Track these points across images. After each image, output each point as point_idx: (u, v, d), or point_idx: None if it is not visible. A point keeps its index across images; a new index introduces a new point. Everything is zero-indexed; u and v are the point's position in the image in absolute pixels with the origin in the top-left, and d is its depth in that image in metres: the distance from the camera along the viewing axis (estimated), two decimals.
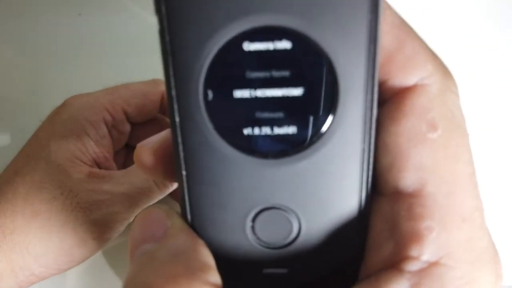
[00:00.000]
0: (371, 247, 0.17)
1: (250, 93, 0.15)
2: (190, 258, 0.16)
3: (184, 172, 0.16)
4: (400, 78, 0.16)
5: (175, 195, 0.39)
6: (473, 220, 0.16)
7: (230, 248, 0.17)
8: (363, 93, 0.15)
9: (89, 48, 0.43)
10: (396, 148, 0.16)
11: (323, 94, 0.15)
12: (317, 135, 0.15)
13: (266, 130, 0.16)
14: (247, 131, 0.16)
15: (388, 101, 0.16)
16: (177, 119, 0.15)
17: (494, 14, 0.43)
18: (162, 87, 0.35)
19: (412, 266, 0.15)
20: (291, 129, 0.15)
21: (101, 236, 0.30)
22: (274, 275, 0.18)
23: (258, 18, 0.14)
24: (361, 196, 0.16)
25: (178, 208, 0.17)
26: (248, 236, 0.17)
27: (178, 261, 0.16)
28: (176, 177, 0.17)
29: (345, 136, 0.15)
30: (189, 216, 0.17)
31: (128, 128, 0.35)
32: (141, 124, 0.36)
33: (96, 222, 0.30)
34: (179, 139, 0.16)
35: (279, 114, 0.15)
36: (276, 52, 0.15)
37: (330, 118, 0.15)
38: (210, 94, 0.15)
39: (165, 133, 0.18)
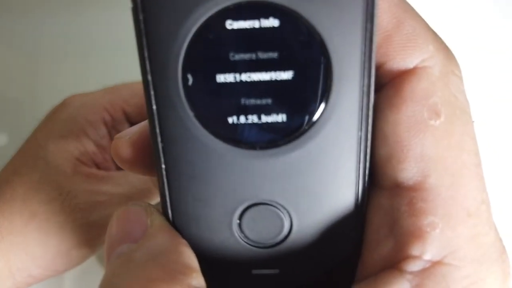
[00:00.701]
0: (369, 246, 0.16)
1: (235, 77, 0.14)
2: (170, 260, 0.15)
3: (163, 166, 0.15)
4: (399, 60, 0.15)
5: None
6: (479, 214, 0.15)
7: (215, 248, 0.16)
8: (359, 76, 0.13)
9: (88, 47, 0.42)
10: (395, 137, 0.14)
11: (315, 77, 0.13)
12: (309, 123, 0.14)
13: (253, 118, 0.14)
14: (232, 119, 0.14)
15: (386, 86, 0.15)
16: (154, 107, 0.14)
17: (493, 15, 0.43)
18: None
19: (413, 266, 0.14)
20: (280, 117, 0.14)
21: (99, 238, 0.30)
22: (265, 276, 0.16)
23: None
24: (357, 189, 0.15)
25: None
26: (235, 234, 0.16)
27: (157, 263, 0.14)
28: (156, 171, 0.15)
29: (340, 124, 0.14)
30: (170, 214, 0.16)
31: (127, 128, 0.35)
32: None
33: (94, 223, 0.29)
34: (157, 130, 0.14)
35: (267, 101, 0.14)
36: (262, 31, 0.13)
37: (323, 104, 0.14)
38: (190, 79, 0.14)
39: (145, 123, 0.16)
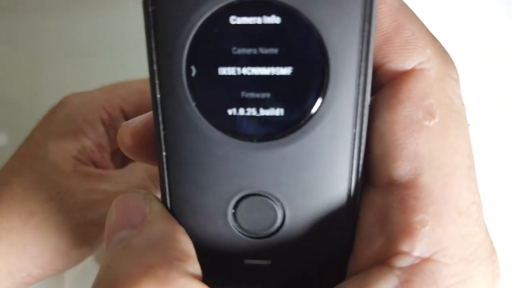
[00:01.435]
0: (362, 241, 0.16)
1: (236, 71, 0.14)
2: (168, 247, 0.15)
3: (164, 153, 0.15)
4: (398, 62, 0.15)
5: None
6: (470, 214, 0.15)
7: (210, 236, 0.16)
8: (356, 75, 0.14)
9: (87, 47, 0.42)
10: (390, 136, 0.15)
11: (312, 74, 0.14)
12: (305, 118, 0.14)
13: (251, 111, 0.15)
14: (231, 111, 0.15)
15: (384, 86, 0.15)
16: (158, 95, 0.15)
17: (493, 16, 0.42)
18: None
19: (402, 262, 0.15)
20: (278, 111, 0.14)
21: (98, 237, 0.30)
22: (257, 267, 0.17)
23: None
24: (350, 185, 0.15)
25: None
26: (230, 224, 0.16)
27: (155, 249, 0.15)
28: (157, 158, 0.16)
29: (335, 120, 0.14)
30: (168, 201, 0.16)
31: None
32: None
33: (93, 222, 0.29)
34: (160, 117, 0.15)
35: (266, 94, 0.14)
36: (264, 27, 0.14)
37: (319, 100, 0.14)
38: (194, 70, 0.14)
39: (150, 113, 0.17)
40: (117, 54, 0.42)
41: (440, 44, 0.16)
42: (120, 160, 0.37)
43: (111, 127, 0.33)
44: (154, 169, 0.31)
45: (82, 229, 0.29)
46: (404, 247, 0.15)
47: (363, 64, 0.14)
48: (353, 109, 0.14)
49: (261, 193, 0.15)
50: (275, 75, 0.14)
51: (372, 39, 0.14)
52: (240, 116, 0.15)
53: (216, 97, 0.14)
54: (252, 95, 0.14)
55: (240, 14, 0.14)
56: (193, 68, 0.14)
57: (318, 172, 0.15)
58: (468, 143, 0.16)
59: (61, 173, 0.30)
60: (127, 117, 0.34)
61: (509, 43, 0.42)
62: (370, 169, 0.16)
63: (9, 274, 0.29)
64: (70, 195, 0.29)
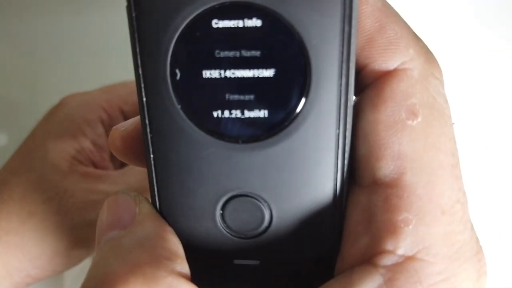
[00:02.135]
0: (347, 240, 0.16)
1: (220, 73, 0.14)
2: (157, 246, 0.15)
3: (152, 155, 0.16)
4: (381, 62, 0.15)
5: None
6: (454, 213, 0.15)
7: (199, 237, 0.16)
8: (337, 75, 0.14)
9: (87, 47, 0.42)
10: (374, 136, 0.15)
11: (294, 76, 0.14)
12: (288, 120, 0.15)
13: (236, 113, 0.15)
14: (216, 113, 0.15)
15: (368, 87, 0.16)
16: (144, 99, 0.15)
17: (484, 13, 0.42)
18: None
19: (386, 260, 0.15)
20: (262, 112, 0.15)
21: None
22: (246, 266, 0.17)
23: None
24: (336, 184, 0.15)
25: None
26: (218, 224, 0.16)
27: (144, 248, 0.15)
28: (145, 160, 0.16)
29: (318, 121, 0.14)
30: (157, 202, 0.16)
31: None
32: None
33: (92, 222, 0.29)
34: (147, 121, 0.15)
35: (250, 96, 0.14)
36: (246, 30, 0.14)
37: (302, 102, 0.14)
38: (178, 73, 0.14)
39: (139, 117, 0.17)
40: (117, 54, 0.42)
41: (423, 43, 0.16)
42: (120, 161, 0.36)
43: (110, 128, 0.33)
44: None
45: (81, 229, 0.29)
46: (388, 246, 0.15)
47: (344, 65, 0.14)
48: (336, 110, 0.14)
49: (248, 194, 0.16)
50: (258, 77, 0.14)
51: (353, 40, 0.14)
52: (225, 118, 0.15)
53: (200, 99, 0.15)
54: (236, 97, 0.15)
55: (221, 18, 0.14)
56: (177, 71, 0.14)
57: (304, 172, 0.15)
58: (452, 141, 0.15)
59: (60, 173, 0.30)
60: (126, 117, 0.34)
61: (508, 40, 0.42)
62: (355, 168, 0.16)
63: (7, 274, 0.29)
64: (69, 196, 0.29)
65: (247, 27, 0.14)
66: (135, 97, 0.33)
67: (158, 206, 0.16)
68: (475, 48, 0.41)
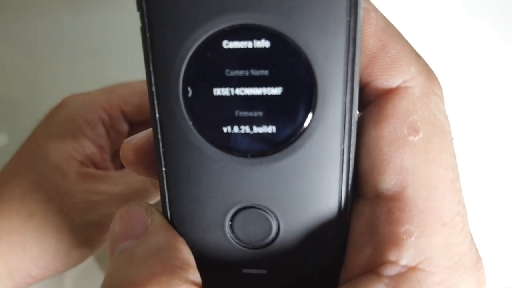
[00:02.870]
0: (352, 251, 0.17)
1: (230, 91, 0.15)
2: (170, 256, 0.16)
3: (163, 169, 0.16)
4: (383, 80, 0.16)
5: None
6: (454, 225, 0.16)
7: (209, 247, 0.17)
8: (342, 94, 0.15)
9: (87, 47, 0.42)
10: (377, 151, 0.16)
11: (301, 94, 0.15)
12: (295, 135, 0.15)
13: (245, 129, 0.15)
14: (226, 129, 0.15)
15: (371, 104, 0.16)
16: (157, 115, 0.15)
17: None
18: None
19: (390, 271, 0.15)
20: (270, 128, 0.15)
21: (98, 238, 0.30)
22: (254, 276, 0.17)
23: (237, 17, 0.14)
24: (340, 197, 0.16)
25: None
26: (227, 235, 0.17)
27: (158, 258, 0.16)
28: (157, 173, 0.17)
29: (324, 137, 0.15)
30: (169, 213, 0.17)
31: (126, 128, 0.35)
32: (139, 124, 0.36)
33: (92, 223, 0.29)
34: (159, 135, 0.16)
35: (258, 113, 0.15)
36: (255, 50, 0.14)
37: (308, 119, 0.15)
38: (190, 91, 0.15)
39: (150, 130, 0.18)
40: (117, 54, 0.42)
41: (424, 61, 0.16)
42: (120, 162, 0.37)
43: (111, 128, 0.33)
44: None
45: (81, 230, 0.29)
46: (391, 257, 0.15)
47: (349, 84, 0.15)
48: (341, 126, 0.15)
49: (256, 206, 0.16)
50: (266, 95, 0.15)
51: (357, 60, 0.15)
52: (235, 134, 0.15)
53: (211, 116, 0.15)
54: (245, 113, 0.15)
55: (232, 39, 0.14)
56: (189, 89, 0.15)
57: (310, 186, 0.16)
58: (452, 156, 0.16)
59: (61, 173, 0.30)
60: (127, 118, 0.34)
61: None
62: (358, 181, 0.17)
63: (8, 274, 0.29)
64: (69, 196, 0.29)
65: (256, 48, 0.14)
66: (136, 98, 0.34)
67: (169, 217, 0.17)
68: (469, 46, 0.42)
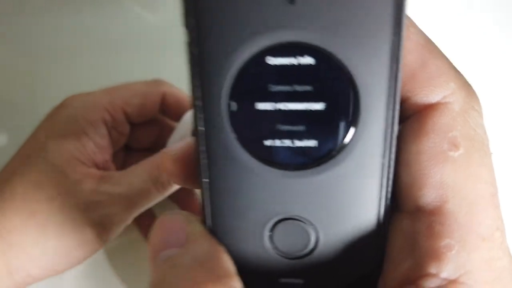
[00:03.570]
0: (391, 263, 0.17)
1: (273, 106, 0.15)
2: (214, 265, 0.16)
3: (206, 180, 0.17)
4: (423, 96, 0.16)
5: (175, 198, 0.39)
6: (494, 240, 0.16)
7: (248, 256, 0.18)
8: (384, 110, 0.15)
9: (87, 47, 0.42)
10: (417, 166, 0.16)
11: (344, 110, 0.15)
12: (336, 150, 0.16)
13: (287, 143, 0.16)
14: (268, 142, 0.16)
15: (410, 118, 0.16)
16: (201, 128, 0.16)
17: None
18: (163, 88, 0.35)
19: (431, 283, 0.15)
20: (311, 143, 0.16)
21: (98, 238, 0.30)
22: (290, 285, 0.18)
23: (282, 34, 0.14)
24: (379, 211, 0.16)
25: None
26: (266, 245, 0.17)
27: (202, 267, 0.16)
28: (200, 184, 0.17)
29: (365, 152, 0.16)
30: (210, 223, 0.17)
31: (128, 128, 0.35)
32: (140, 125, 0.36)
33: (93, 223, 0.29)
34: (203, 148, 0.16)
35: (300, 127, 0.16)
36: (299, 67, 0.15)
37: (350, 134, 0.16)
38: (234, 106, 0.16)
39: (189, 141, 0.19)
40: (117, 54, 0.42)
41: (463, 77, 0.16)
42: (121, 162, 0.37)
43: (113, 129, 0.33)
44: (155, 172, 0.31)
45: (82, 230, 0.29)
46: (432, 270, 0.16)
47: (391, 100, 0.15)
48: (382, 141, 0.15)
49: (296, 217, 0.17)
50: (309, 110, 0.15)
51: (399, 76, 0.15)
52: (276, 147, 0.16)
53: (254, 129, 0.16)
54: (287, 128, 0.16)
55: (276, 55, 0.15)
56: (233, 103, 0.16)
57: (349, 199, 0.16)
58: (491, 171, 0.16)
59: (62, 173, 0.30)
60: (129, 119, 0.34)
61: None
62: (398, 196, 0.17)
63: (8, 273, 0.29)
64: (70, 196, 0.29)
65: (300, 64, 0.15)
66: (138, 99, 0.34)
67: (210, 227, 0.17)
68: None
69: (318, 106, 0.15)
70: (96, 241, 0.30)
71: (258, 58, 0.15)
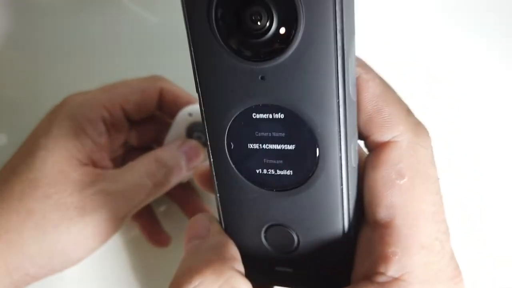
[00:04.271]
0: (358, 262, 0.22)
1: (259, 146, 0.21)
2: (223, 251, 0.22)
3: (218, 195, 0.23)
4: (378, 136, 0.21)
5: (175, 197, 0.39)
6: (432, 248, 0.20)
7: (250, 250, 0.24)
8: (338, 150, 0.20)
9: (88, 47, 0.42)
10: (373, 190, 0.21)
11: (308, 150, 0.20)
12: (306, 178, 0.21)
13: (271, 171, 0.21)
14: (258, 171, 0.22)
15: (370, 152, 0.21)
16: (211, 159, 0.22)
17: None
18: (160, 83, 0.35)
19: (380, 279, 0.20)
20: (288, 172, 0.21)
21: (96, 236, 0.30)
22: (283, 272, 0.24)
23: (260, 99, 0.20)
24: (343, 221, 0.22)
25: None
26: (263, 242, 0.23)
27: (214, 252, 0.22)
28: (215, 195, 0.23)
29: (326, 180, 0.21)
30: (223, 224, 0.24)
31: (127, 126, 0.35)
32: (139, 122, 0.36)
33: (90, 221, 0.29)
34: (213, 173, 0.23)
35: (280, 161, 0.21)
36: (274, 120, 0.20)
37: (315, 167, 0.21)
38: (232, 145, 0.21)
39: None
40: (117, 54, 0.42)
41: (413, 119, 0.21)
42: (120, 160, 0.37)
43: (112, 126, 0.33)
44: (152, 168, 0.31)
45: (79, 228, 0.29)
46: (382, 269, 0.20)
47: (343, 145, 0.20)
48: (339, 172, 0.21)
49: (282, 224, 0.23)
50: (284, 149, 0.21)
51: (350, 129, 0.20)
52: (264, 174, 0.22)
53: (247, 162, 0.22)
54: (271, 161, 0.21)
55: (258, 112, 0.20)
56: (231, 143, 0.21)
57: (319, 212, 0.22)
58: (434, 194, 0.21)
59: (60, 172, 0.30)
60: (127, 116, 0.34)
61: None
62: (364, 211, 0.22)
63: (7, 272, 0.29)
64: (67, 194, 0.29)
65: (275, 118, 0.20)
66: (136, 96, 0.34)
67: (223, 227, 0.24)
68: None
69: (290, 147, 0.21)
70: (95, 240, 0.30)
71: (246, 114, 0.21)
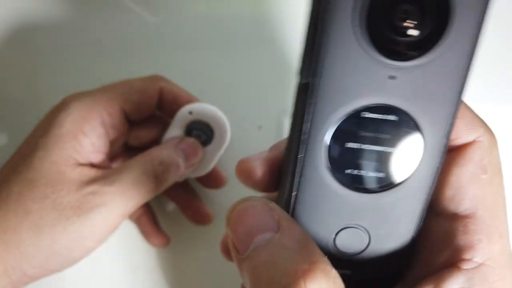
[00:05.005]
0: (430, 254, 0.23)
1: (358, 146, 0.20)
2: (314, 248, 0.20)
3: (294, 193, 0.21)
4: (464, 137, 0.22)
5: (174, 197, 0.39)
6: (506, 236, 0.22)
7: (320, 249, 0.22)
8: (436, 161, 0.21)
9: (88, 47, 0.42)
10: (459, 184, 0.22)
11: (409, 156, 0.21)
12: (399, 182, 0.21)
13: (362, 172, 0.21)
14: (349, 171, 0.21)
15: (453, 151, 0.22)
16: (300, 154, 0.20)
17: None
18: (160, 83, 0.35)
19: (467, 265, 0.21)
20: (380, 174, 0.21)
21: (93, 237, 0.30)
22: (340, 275, 0.22)
23: (380, 98, 0.20)
24: (417, 225, 0.22)
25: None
26: (331, 243, 0.22)
27: (306, 249, 0.20)
28: (283, 193, 0.22)
29: (418, 184, 0.21)
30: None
31: (126, 126, 0.34)
32: (139, 123, 0.36)
33: (87, 222, 0.29)
34: (298, 169, 0.21)
35: (373, 163, 0.21)
36: (384, 121, 0.20)
37: (407, 174, 0.21)
38: (331, 142, 0.20)
39: (268, 154, 0.24)
40: (117, 54, 0.42)
41: (487, 124, 0.23)
42: (120, 160, 0.36)
43: (111, 126, 0.33)
44: (149, 166, 0.31)
45: (76, 229, 0.29)
46: (468, 256, 0.22)
47: (443, 154, 0.21)
48: (431, 179, 0.21)
49: (356, 226, 0.22)
50: (383, 151, 0.21)
51: (452, 129, 0.20)
52: (354, 175, 0.21)
53: (340, 160, 0.21)
54: (364, 162, 0.21)
55: (372, 111, 0.20)
56: (331, 140, 0.20)
57: (399, 215, 0.22)
58: (503, 187, 0.23)
59: (58, 172, 0.30)
60: (128, 116, 0.34)
61: None
62: (438, 205, 0.23)
63: (5, 272, 0.29)
64: (64, 194, 0.29)
65: (387, 119, 0.20)
66: (136, 96, 0.34)
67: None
68: None
69: (391, 149, 0.20)
70: (91, 240, 0.30)
71: (357, 112, 0.20)
